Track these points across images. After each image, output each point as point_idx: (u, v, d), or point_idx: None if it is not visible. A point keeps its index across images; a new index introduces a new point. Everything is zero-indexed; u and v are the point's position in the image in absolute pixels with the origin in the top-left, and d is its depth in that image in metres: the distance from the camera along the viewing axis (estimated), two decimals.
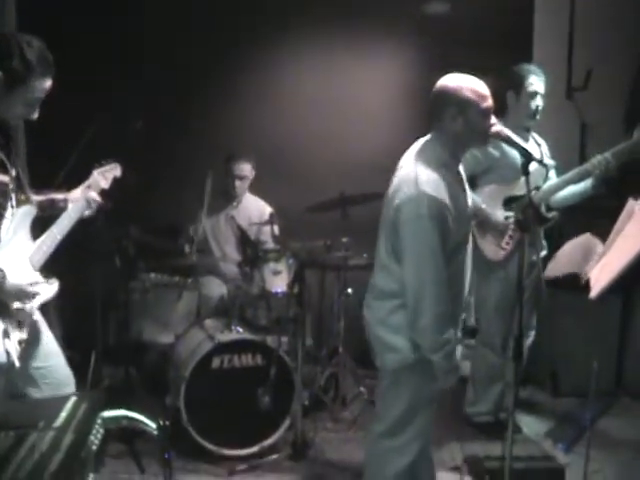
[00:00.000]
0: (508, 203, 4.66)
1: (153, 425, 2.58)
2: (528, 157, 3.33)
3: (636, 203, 3.75)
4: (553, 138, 4.93)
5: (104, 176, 3.58)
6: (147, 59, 5.65)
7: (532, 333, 4.93)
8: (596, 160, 4.40)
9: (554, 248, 5.12)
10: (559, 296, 5.33)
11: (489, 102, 3.16)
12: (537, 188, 4.57)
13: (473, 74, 3.20)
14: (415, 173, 3.12)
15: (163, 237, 5.12)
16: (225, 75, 5.88)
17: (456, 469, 4.41)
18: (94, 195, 3.49)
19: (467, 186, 3.38)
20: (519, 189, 4.59)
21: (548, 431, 5.10)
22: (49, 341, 3.36)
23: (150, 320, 4.98)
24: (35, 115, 3.16)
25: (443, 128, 3.18)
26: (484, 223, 4.66)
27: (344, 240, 5.08)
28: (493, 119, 3.22)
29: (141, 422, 2.56)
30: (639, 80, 6.06)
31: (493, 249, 4.69)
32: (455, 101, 3.13)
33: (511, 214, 4.61)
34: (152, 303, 4.99)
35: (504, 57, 5.33)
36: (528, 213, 4.35)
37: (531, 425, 5.13)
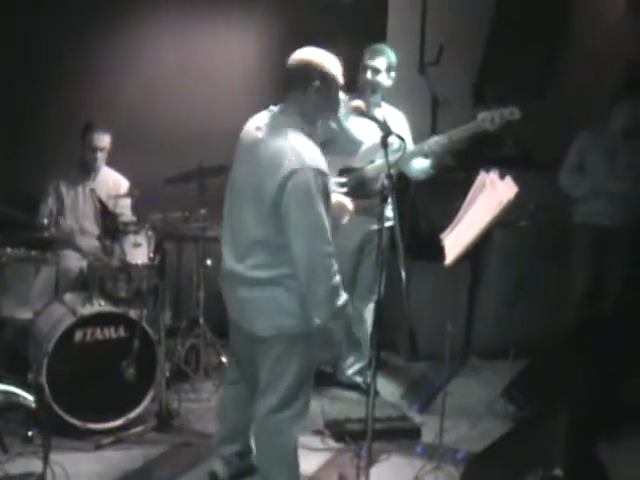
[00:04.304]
0: (343, 174, 4.84)
1: (31, 398, 2.56)
2: (386, 130, 3.52)
3: (487, 176, 3.98)
4: (406, 112, 5.09)
5: None
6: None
7: (374, 297, 5.08)
8: (432, 141, 4.63)
9: (406, 219, 5.36)
10: (413, 263, 5.58)
11: (342, 78, 3.38)
12: (372, 162, 4.78)
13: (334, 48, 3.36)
14: (292, 145, 3.21)
15: (19, 210, 4.98)
16: (81, 45, 5.69)
17: (318, 432, 4.57)
18: None
19: None
20: (356, 162, 4.82)
21: (403, 393, 5.33)
22: None
23: (8, 296, 4.81)
24: None
25: (304, 99, 3.32)
26: None
27: (202, 212, 5.11)
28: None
29: (18, 395, 2.53)
30: (486, 56, 6.32)
31: None
32: (321, 75, 3.29)
33: (342, 180, 4.79)
34: (9, 278, 4.82)
35: (359, 33, 5.46)
36: (358, 183, 4.71)
37: (387, 388, 5.34)
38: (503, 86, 6.09)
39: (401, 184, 5.13)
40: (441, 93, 6.14)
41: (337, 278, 3.23)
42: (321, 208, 3.16)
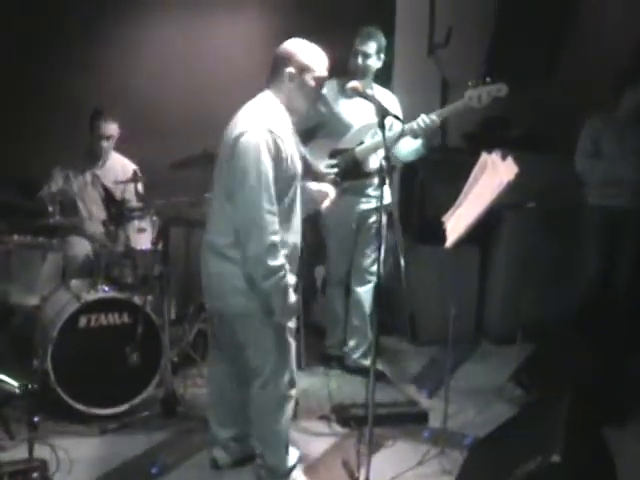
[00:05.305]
0: (334, 155, 4.81)
1: (15, 384, 2.55)
2: (383, 112, 3.55)
3: (489, 157, 3.93)
4: (415, 94, 5.05)
5: None
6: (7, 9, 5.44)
7: (372, 279, 5.10)
8: (421, 120, 4.55)
9: (412, 196, 5.32)
10: (420, 246, 5.54)
11: (324, 72, 3.46)
12: (361, 143, 4.74)
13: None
14: (251, 111, 3.38)
15: (24, 196, 4.99)
16: (89, 27, 5.69)
17: (324, 418, 4.56)
18: None
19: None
20: (345, 143, 4.79)
21: (412, 378, 5.31)
22: None
23: (15, 283, 4.83)
24: None
25: (280, 86, 3.43)
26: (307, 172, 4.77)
27: (208, 196, 5.09)
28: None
29: (3, 382, 2.53)
30: (495, 38, 6.26)
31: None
32: (295, 62, 3.40)
33: (333, 162, 4.76)
34: (16, 265, 4.84)
35: (368, 15, 5.42)
36: (349, 165, 4.72)
37: (396, 372, 5.32)
38: (512, 69, 6.02)
39: (409, 168, 5.11)
40: (450, 75, 6.09)
41: (275, 238, 3.26)
42: (267, 167, 3.24)
